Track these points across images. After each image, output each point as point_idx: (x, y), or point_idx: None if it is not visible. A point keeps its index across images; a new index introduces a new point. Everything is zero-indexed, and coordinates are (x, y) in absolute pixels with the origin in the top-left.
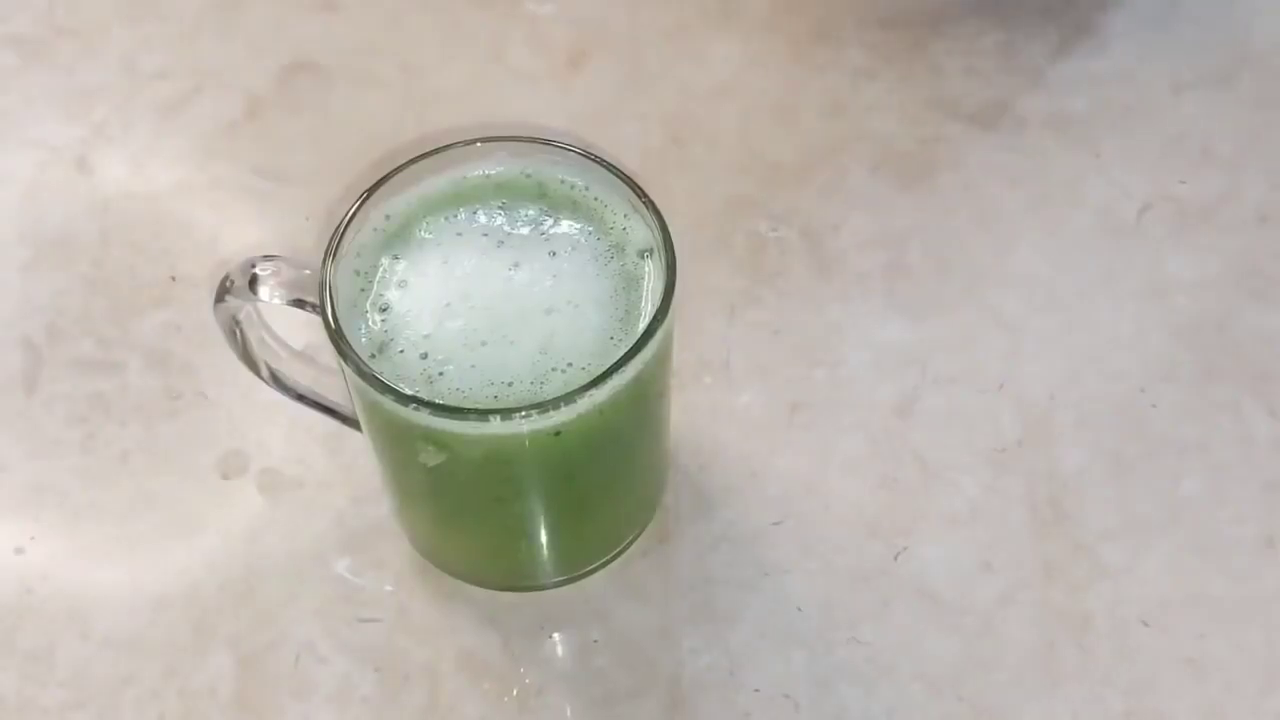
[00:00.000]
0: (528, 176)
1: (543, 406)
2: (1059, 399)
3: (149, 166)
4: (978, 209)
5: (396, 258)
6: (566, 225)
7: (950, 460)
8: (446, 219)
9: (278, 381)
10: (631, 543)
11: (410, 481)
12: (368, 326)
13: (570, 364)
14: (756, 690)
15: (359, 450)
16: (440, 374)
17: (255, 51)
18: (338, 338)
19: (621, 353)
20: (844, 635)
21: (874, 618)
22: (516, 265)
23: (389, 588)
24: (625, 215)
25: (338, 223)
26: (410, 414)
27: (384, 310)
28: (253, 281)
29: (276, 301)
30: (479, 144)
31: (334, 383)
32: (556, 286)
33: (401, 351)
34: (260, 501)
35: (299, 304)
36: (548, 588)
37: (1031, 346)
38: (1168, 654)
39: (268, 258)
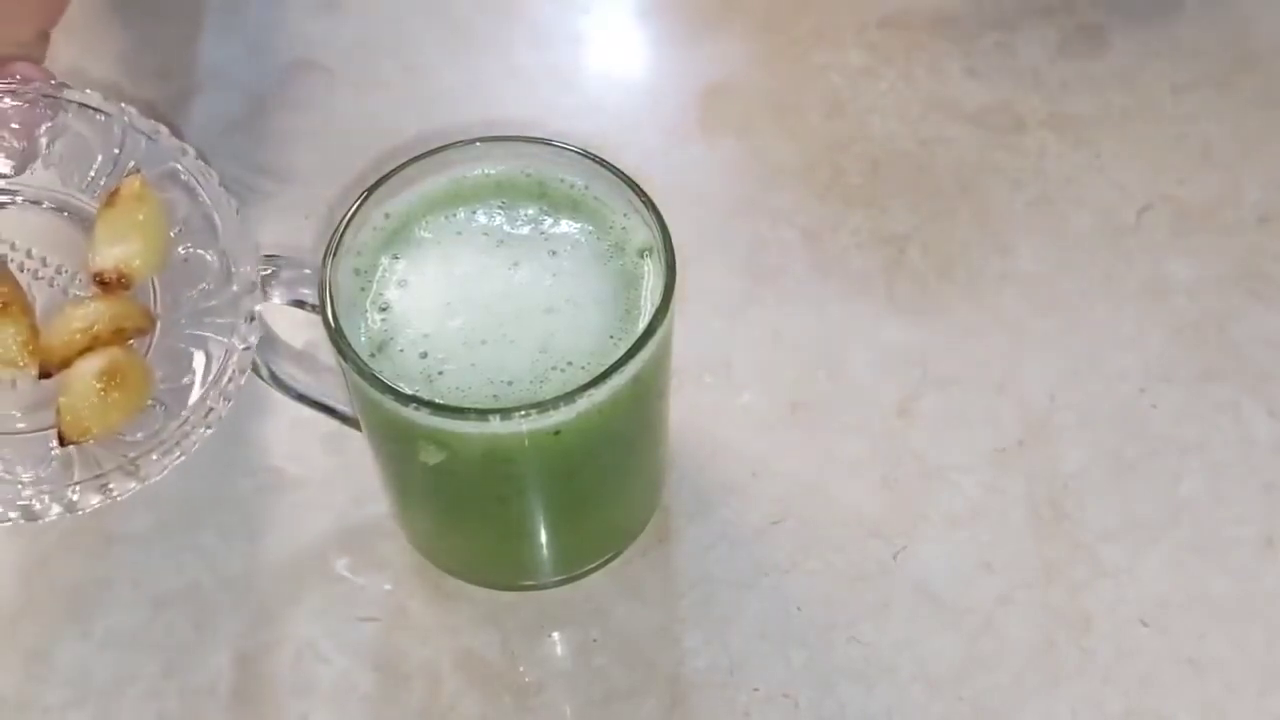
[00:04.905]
0: (528, 176)
1: (542, 406)
2: (1059, 399)
3: None
4: (978, 209)
5: (396, 257)
6: (566, 225)
7: (950, 460)
8: (446, 218)
9: (278, 381)
10: (631, 542)
11: (410, 481)
12: (367, 325)
13: (570, 363)
14: (756, 690)
15: (359, 450)
16: (440, 373)
17: (255, 51)
18: (338, 337)
19: (621, 352)
20: (844, 635)
21: (874, 618)
22: (516, 264)
23: (388, 587)
24: (625, 215)
25: (338, 222)
26: (410, 413)
27: (384, 309)
28: None
29: (276, 301)
30: (479, 144)
31: (334, 383)
32: (556, 286)
33: (401, 351)
34: (260, 501)
35: (299, 304)
36: (548, 587)
37: (1031, 346)
38: (1168, 654)
39: (268, 257)
